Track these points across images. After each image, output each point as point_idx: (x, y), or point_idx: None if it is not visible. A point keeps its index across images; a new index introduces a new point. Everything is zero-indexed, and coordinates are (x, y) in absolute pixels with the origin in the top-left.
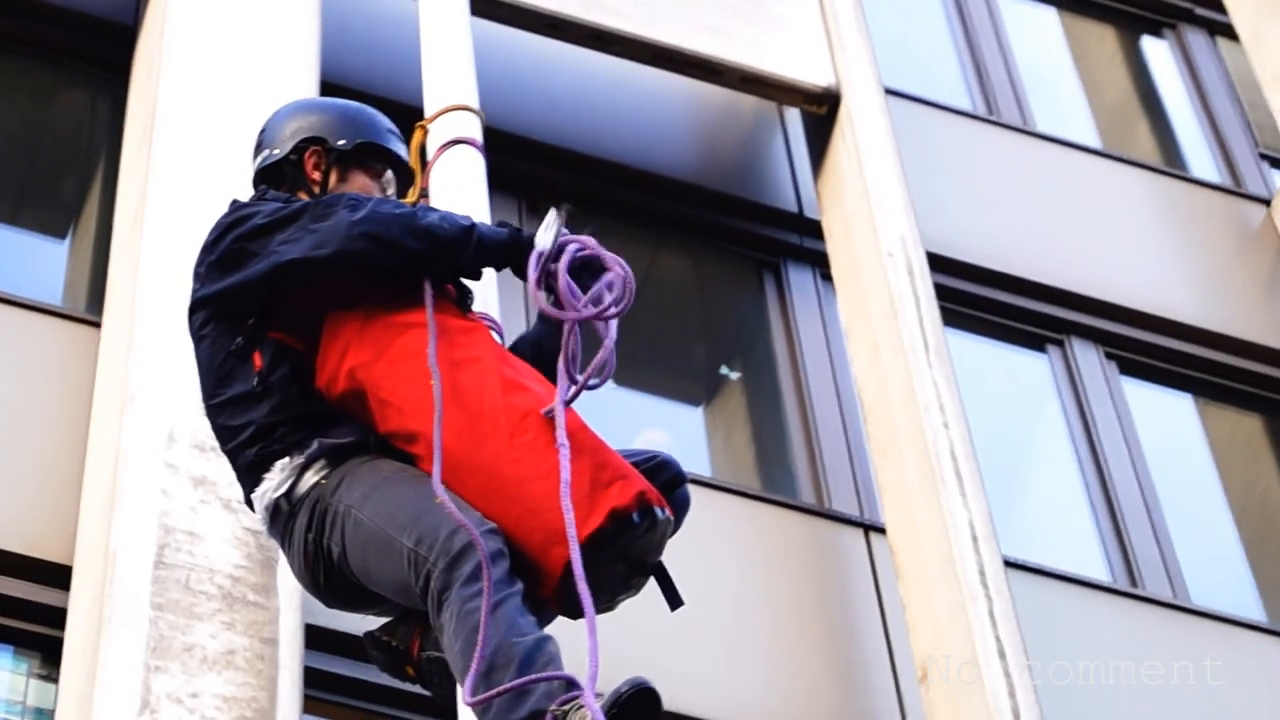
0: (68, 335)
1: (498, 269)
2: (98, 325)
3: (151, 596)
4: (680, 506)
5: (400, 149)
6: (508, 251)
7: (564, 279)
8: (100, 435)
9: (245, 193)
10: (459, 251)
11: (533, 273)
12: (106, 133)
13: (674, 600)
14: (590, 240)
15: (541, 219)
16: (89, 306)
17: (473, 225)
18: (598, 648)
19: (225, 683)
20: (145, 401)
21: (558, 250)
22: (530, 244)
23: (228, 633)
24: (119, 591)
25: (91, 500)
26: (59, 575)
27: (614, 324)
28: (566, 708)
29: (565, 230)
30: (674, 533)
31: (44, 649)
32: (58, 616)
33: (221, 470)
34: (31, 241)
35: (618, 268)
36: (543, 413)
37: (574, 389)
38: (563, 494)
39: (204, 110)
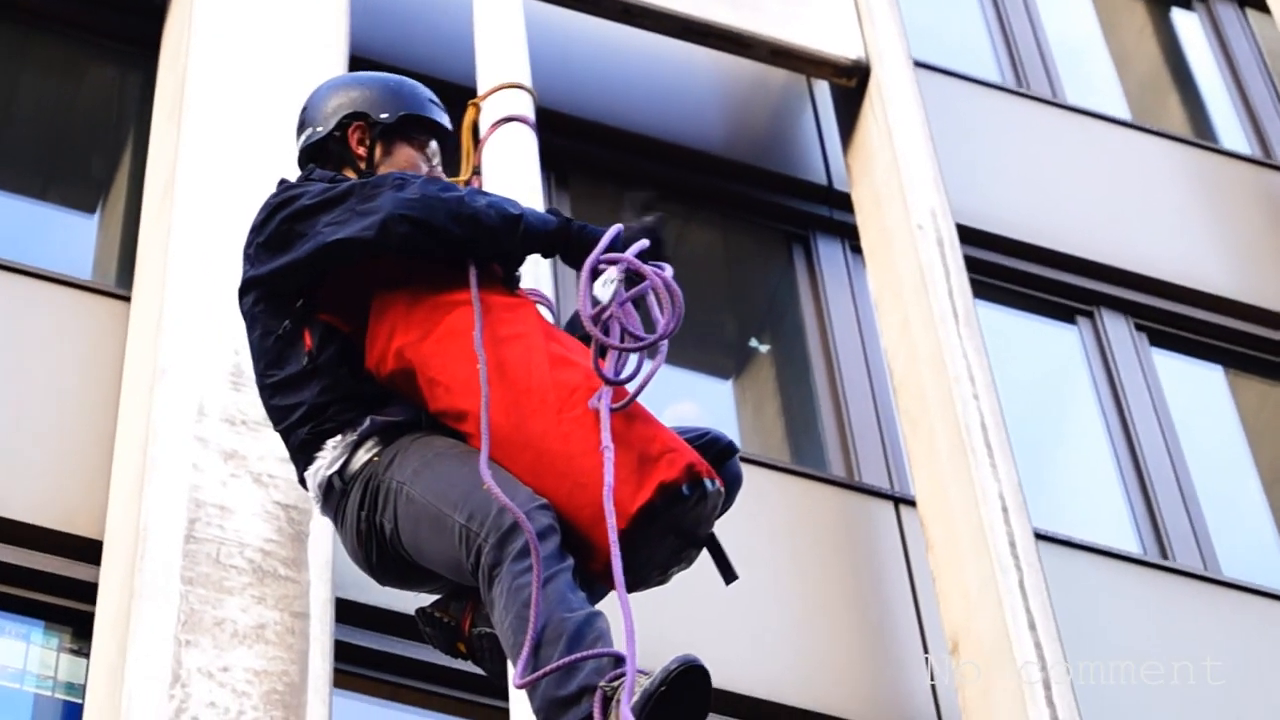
0: (98, 310)
1: (545, 256)
2: (128, 300)
3: (182, 570)
4: (732, 482)
5: (443, 118)
6: (555, 242)
7: (616, 325)
8: (130, 410)
9: (273, 167)
10: (503, 240)
11: (585, 307)
12: (136, 107)
13: (728, 574)
14: (652, 276)
15: (570, 194)
16: (119, 281)
17: (520, 215)
18: (634, 631)
19: (256, 656)
20: (175, 375)
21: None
22: (580, 236)
23: (258, 607)
24: (149, 566)
25: (122, 475)
26: (90, 550)
27: (663, 347)
28: (616, 684)
29: (622, 278)
30: (726, 508)
31: (75, 624)
32: (89, 591)
33: (252, 444)
34: (61, 216)
35: (669, 301)
36: (590, 405)
37: (619, 398)
38: (605, 497)
39: (233, 84)
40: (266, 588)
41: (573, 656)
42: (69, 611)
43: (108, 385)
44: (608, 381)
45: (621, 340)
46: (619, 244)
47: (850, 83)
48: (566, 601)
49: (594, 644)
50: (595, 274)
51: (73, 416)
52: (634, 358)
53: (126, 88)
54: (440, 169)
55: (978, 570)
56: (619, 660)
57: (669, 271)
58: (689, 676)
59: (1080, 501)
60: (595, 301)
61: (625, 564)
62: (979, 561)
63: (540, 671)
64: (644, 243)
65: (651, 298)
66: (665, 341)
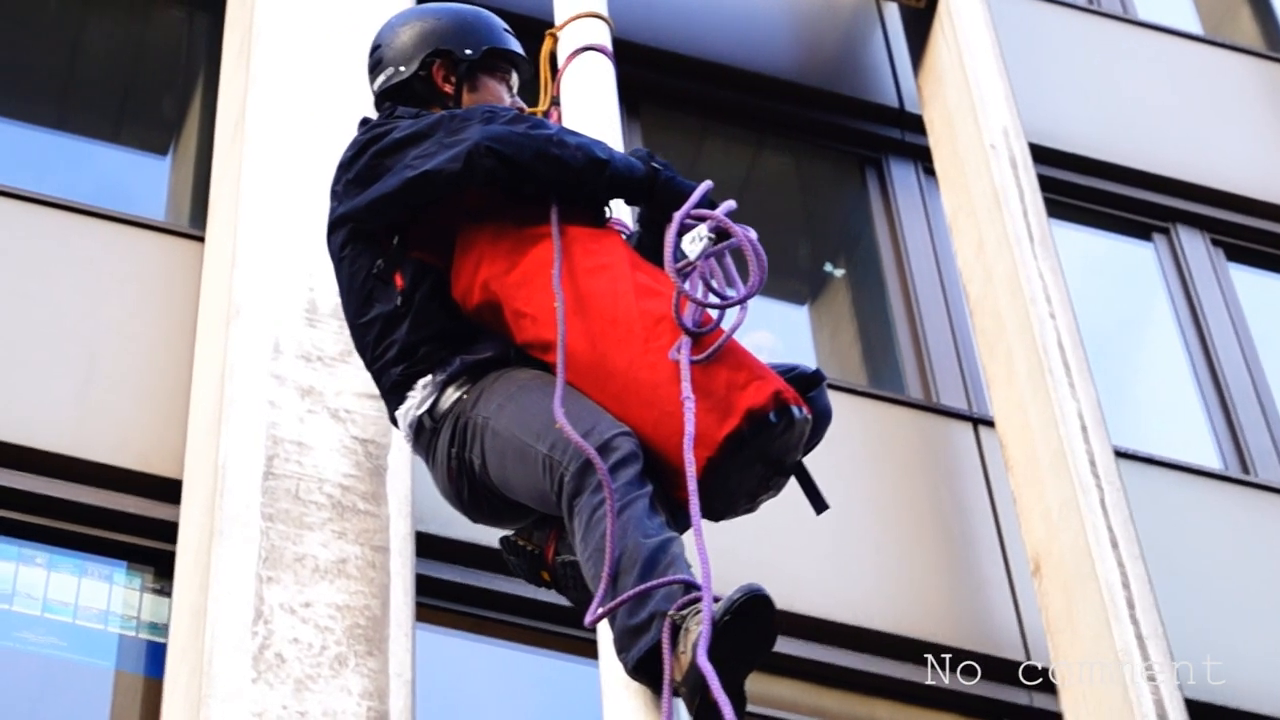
0: (172, 250)
1: (628, 204)
2: (201, 239)
3: (261, 507)
4: (821, 415)
5: (518, 46)
6: (640, 191)
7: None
8: (206, 349)
9: (342, 103)
10: (586, 184)
11: (670, 263)
12: (205, 46)
13: (819, 504)
14: (739, 233)
15: (641, 123)
16: (192, 221)
17: (608, 160)
18: (708, 562)
19: (337, 591)
20: (250, 314)
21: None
22: (666, 188)
23: (339, 541)
24: (229, 504)
25: (199, 414)
26: (169, 490)
27: (747, 304)
28: (685, 612)
29: (710, 234)
30: (816, 442)
31: (157, 563)
32: (169, 531)
33: (328, 380)
34: (134, 158)
35: (754, 262)
36: (669, 356)
37: (703, 352)
38: (685, 448)
39: (301, 21)
40: (346, 522)
41: (644, 585)
42: (150, 551)
43: (183, 325)
44: (688, 332)
45: (704, 296)
46: (706, 201)
47: (920, 3)
48: (643, 527)
49: (666, 570)
50: (683, 228)
51: (149, 358)
52: (715, 311)
53: (195, 27)
54: (519, 100)
55: (1058, 490)
56: (689, 586)
57: (754, 234)
58: (753, 605)
59: (1160, 419)
60: (680, 254)
61: (713, 491)
62: (1059, 481)
63: (611, 604)
64: (731, 203)
65: (730, 258)
66: (742, 318)
